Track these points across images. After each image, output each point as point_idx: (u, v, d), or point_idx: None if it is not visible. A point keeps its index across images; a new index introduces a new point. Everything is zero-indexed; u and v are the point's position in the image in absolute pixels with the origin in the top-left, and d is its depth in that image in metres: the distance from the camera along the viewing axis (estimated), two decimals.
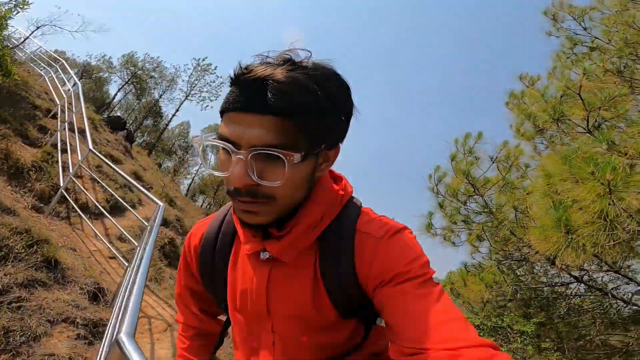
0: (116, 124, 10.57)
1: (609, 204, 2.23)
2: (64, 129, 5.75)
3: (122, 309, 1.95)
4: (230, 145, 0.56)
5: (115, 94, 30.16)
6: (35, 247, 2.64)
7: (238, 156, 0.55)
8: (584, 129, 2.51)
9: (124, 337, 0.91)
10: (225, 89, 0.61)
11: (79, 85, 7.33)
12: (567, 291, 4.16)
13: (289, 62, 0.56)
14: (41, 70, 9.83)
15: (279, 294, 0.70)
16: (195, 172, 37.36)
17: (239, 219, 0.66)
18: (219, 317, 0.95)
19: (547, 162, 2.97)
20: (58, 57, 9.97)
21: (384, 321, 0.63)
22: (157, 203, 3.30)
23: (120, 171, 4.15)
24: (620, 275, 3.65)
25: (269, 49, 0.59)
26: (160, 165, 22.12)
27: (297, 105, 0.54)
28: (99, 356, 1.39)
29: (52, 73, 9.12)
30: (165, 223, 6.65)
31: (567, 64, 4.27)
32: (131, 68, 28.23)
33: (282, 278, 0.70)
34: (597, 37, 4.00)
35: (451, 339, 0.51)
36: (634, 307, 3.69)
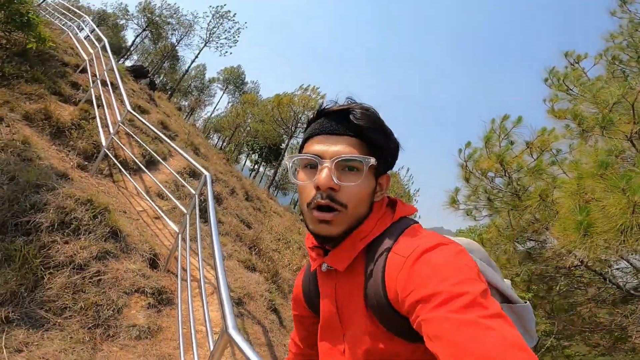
0: (139, 72, 10.52)
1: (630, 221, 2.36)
2: (97, 85, 5.85)
3: (202, 286, 2.24)
4: (317, 157, 0.73)
5: (133, 41, 30.20)
6: (99, 218, 2.90)
7: (324, 164, 0.72)
8: (627, 136, 2.53)
9: (232, 332, 1.25)
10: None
11: (106, 41, 7.28)
12: (570, 272, 4.40)
13: (355, 103, 0.77)
14: (62, 24, 9.74)
15: (343, 303, 0.79)
16: (209, 112, 38.01)
17: (314, 233, 0.75)
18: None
19: (582, 160, 3.01)
20: (80, 13, 9.82)
21: None
22: (202, 172, 3.42)
23: (163, 136, 4.31)
24: (622, 259, 3.85)
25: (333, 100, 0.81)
26: (180, 109, 22.25)
27: (370, 128, 0.73)
28: (209, 346, 1.71)
29: (75, 27, 9.06)
30: (194, 175, 6.89)
31: (622, 45, 4.10)
32: (148, 15, 27.87)
33: (343, 288, 0.79)
34: None
35: None
36: (622, 290, 3.94)
